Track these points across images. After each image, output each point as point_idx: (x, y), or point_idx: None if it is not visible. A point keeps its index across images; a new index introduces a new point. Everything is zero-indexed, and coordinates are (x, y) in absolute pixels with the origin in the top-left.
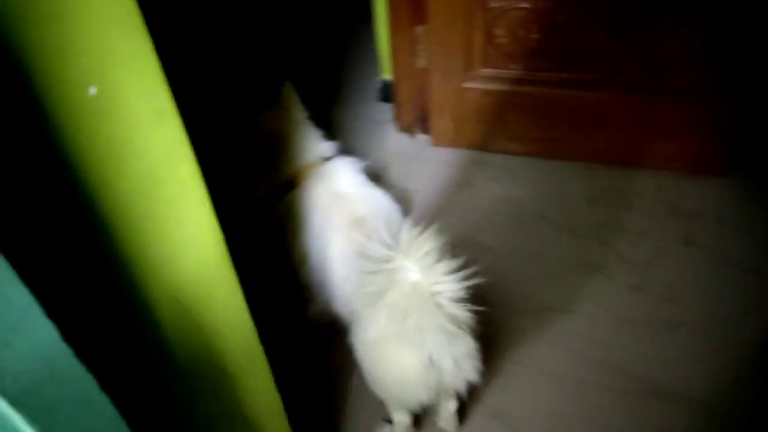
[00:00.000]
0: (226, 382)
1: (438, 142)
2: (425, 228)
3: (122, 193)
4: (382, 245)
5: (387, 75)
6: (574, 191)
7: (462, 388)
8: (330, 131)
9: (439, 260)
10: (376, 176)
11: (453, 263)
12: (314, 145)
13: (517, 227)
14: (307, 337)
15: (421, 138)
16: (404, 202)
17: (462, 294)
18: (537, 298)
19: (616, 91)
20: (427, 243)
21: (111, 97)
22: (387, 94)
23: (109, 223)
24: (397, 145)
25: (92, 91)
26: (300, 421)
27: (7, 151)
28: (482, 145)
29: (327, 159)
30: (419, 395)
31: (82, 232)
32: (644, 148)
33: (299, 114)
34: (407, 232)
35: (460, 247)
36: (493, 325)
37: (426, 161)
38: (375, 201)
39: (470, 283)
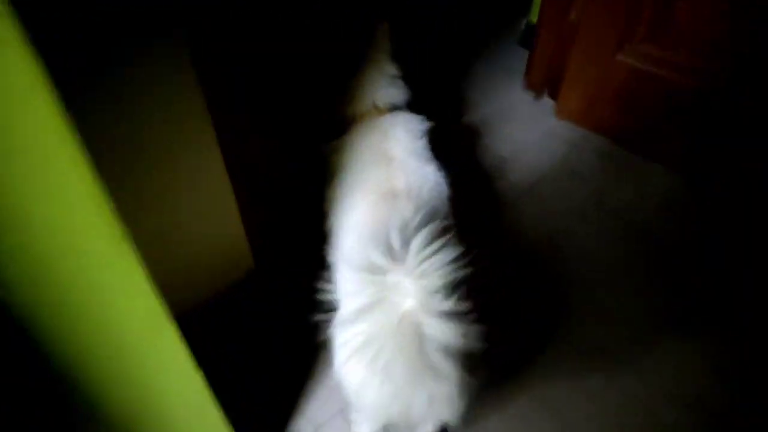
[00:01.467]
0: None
1: (562, 115)
2: (450, 241)
3: None
4: (384, 248)
5: (534, 18)
6: (706, 218)
7: (431, 426)
8: (455, 69)
9: (448, 294)
10: (479, 131)
11: (462, 305)
12: (379, 89)
13: (615, 244)
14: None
15: (546, 103)
16: (496, 172)
17: (459, 345)
18: (598, 338)
19: None
20: (442, 265)
21: None
22: (528, 39)
23: None
24: (516, 102)
25: None
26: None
27: None
28: (612, 134)
29: (392, 109)
30: (379, 419)
31: None
32: None
33: (380, 50)
34: (422, 239)
35: (537, 251)
36: (529, 355)
37: (541, 132)
38: (420, 177)
39: (476, 344)
